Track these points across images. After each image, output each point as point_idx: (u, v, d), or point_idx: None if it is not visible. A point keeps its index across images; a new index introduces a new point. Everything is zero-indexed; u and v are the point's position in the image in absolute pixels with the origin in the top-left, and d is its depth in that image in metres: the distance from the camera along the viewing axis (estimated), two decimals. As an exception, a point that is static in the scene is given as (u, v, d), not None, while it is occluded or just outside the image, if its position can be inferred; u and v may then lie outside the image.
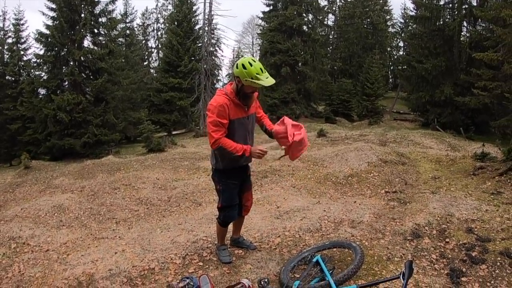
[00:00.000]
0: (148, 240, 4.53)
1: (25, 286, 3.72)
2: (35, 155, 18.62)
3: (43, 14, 20.12)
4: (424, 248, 3.82)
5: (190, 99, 25.49)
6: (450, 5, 21.69)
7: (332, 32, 37.81)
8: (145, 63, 38.70)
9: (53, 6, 19.89)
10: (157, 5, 46.75)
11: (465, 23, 21.21)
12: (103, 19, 21.39)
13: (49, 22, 19.99)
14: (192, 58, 27.36)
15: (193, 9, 29.49)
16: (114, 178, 9.09)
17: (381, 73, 28.62)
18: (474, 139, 15.25)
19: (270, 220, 4.95)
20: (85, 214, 6.64)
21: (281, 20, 25.16)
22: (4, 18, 24.40)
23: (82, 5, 20.15)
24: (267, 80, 3.09)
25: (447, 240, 3.96)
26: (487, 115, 18.57)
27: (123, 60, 24.28)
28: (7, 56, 23.18)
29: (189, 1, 29.17)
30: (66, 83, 20.52)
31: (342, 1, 38.61)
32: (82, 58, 19.88)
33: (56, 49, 19.97)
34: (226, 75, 42.19)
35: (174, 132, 26.37)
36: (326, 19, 37.50)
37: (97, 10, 20.98)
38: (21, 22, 23.87)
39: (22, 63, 22.83)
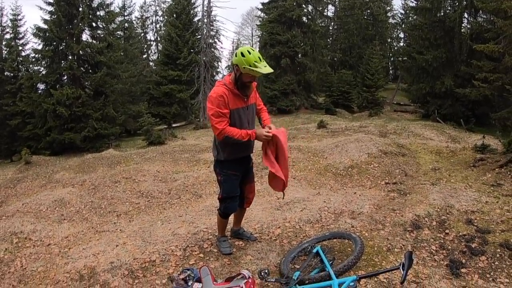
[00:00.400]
0: (149, 233, 4.55)
1: (27, 280, 3.74)
2: (35, 150, 18.66)
3: (41, 8, 20.04)
4: (424, 239, 3.83)
5: (190, 91, 25.46)
6: (451, -4, 21.54)
7: (332, 23, 37.55)
8: (144, 56, 38.52)
9: (51, 0, 19.78)
10: (155, -3, 46.46)
11: (466, 15, 21.02)
12: (101, 13, 21.27)
13: (47, 17, 19.90)
14: (191, 50, 27.23)
15: (192, 1, 29.30)
16: (114, 171, 9.11)
17: (381, 64, 28.48)
18: (475, 131, 15.23)
19: (270, 211, 4.96)
20: (86, 208, 6.66)
21: (281, 11, 24.96)
22: (2, 14, 24.31)
23: (80, -1, 20.05)
24: (265, 68, 3.11)
25: (447, 231, 3.97)
26: (487, 107, 18.50)
27: (122, 54, 24.15)
28: (6, 52, 23.03)
29: (187, -7, 28.98)
30: (65, 77, 20.48)
31: (342, -8, 38.32)
32: (80, 52, 19.81)
33: (55, 43, 19.90)
34: (225, 67, 41.97)
35: (174, 125, 26.37)
36: (326, 10, 37.33)
37: (95, 3, 20.89)
38: (19, 17, 23.72)
39: (21, 59, 22.68)
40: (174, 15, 28.39)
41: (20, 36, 23.46)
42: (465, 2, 20.20)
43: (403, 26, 37.26)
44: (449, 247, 3.65)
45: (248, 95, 3.38)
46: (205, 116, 23.17)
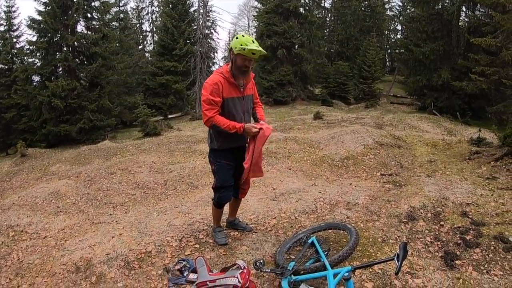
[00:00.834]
0: (145, 224, 4.55)
1: (24, 273, 3.73)
2: (31, 143, 18.57)
3: (35, 0, 19.75)
4: (418, 231, 3.85)
5: (186, 82, 25.34)
6: (449, -11, 21.45)
7: (329, 15, 37.38)
8: (139, 47, 38.20)
9: (45, -9, 19.52)
10: (151, -13, 45.88)
11: (464, 8, 21.00)
12: (96, 3, 21.05)
13: (41, 8, 19.62)
14: (187, 41, 27.07)
15: (188, -9, 29.01)
16: (110, 163, 9.08)
17: (378, 56, 28.43)
18: (471, 124, 15.28)
19: (266, 202, 4.96)
20: (82, 200, 6.65)
21: (278, 2, 24.78)
22: (-5, 6, 23.98)
23: (74, -11, 19.76)
24: (257, 47, 3.15)
25: (442, 223, 3.99)
26: (484, 101, 18.55)
27: (117, 44, 23.95)
28: (0, 44, 22.80)
29: (183, -18, 28.66)
30: (60, 69, 20.27)
31: (340, -17, 38.05)
32: (75, 43, 19.62)
33: (49, 35, 19.64)
34: (221, 58, 41.83)
35: (170, 116, 26.30)
36: (323, 1, 37.12)
37: (90, -6, 20.59)
38: (13, 9, 23.49)
39: (15, 51, 22.47)
40: (170, 6, 28.12)
41: (14, 28, 23.25)
42: (463, -5, 20.16)
43: (400, 18, 37.16)
44: (444, 239, 3.67)
45: (244, 85, 3.37)
46: (201, 107, 23.09)
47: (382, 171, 6.66)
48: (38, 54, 20.37)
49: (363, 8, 35.26)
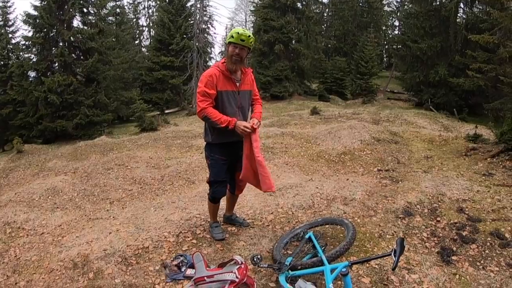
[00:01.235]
0: (142, 219, 4.55)
1: (21, 270, 3.72)
2: (27, 139, 18.41)
3: (31, -5, 19.53)
4: (415, 226, 3.87)
5: (183, 77, 25.21)
6: (447, -15, 21.42)
7: (327, 10, 37.32)
8: (136, 42, 37.99)
9: (40, -14, 19.31)
10: (147, -18, 45.53)
11: (462, 4, 21.01)
12: (92, -2, 20.83)
13: (37, 3, 19.37)
14: (184, 36, 26.92)
15: (184, -14, 28.81)
16: (107, 158, 9.06)
17: (376, 52, 28.39)
18: (467, 121, 15.35)
19: (263, 197, 4.96)
20: (79, 196, 6.63)
21: (275, -4, 24.74)
22: (-9, 2, 23.72)
23: (70, -16, 19.57)
24: (245, 31, 3.20)
25: (438, 219, 4.01)
26: (481, 97, 18.55)
27: (113, 39, 23.73)
28: (-5, 40, 22.65)
29: (180, -23, 28.46)
30: (56, 64, 20.05)
31: (337, -22, 37.91)
32: (71, 38, 19.40)
33: (45, 30, 19.41)
34: (218, 53, 41.67)
35: (166, 111, 26.15)
36: (320, -3, 36.93)
37: (86, -12, 20.39)
38: (8, 4, 23.37)
39: (11, 46, 22.32)
40: (167, 0, 27.94)
41: (10, 23, 23.15)
42: (461, -8, 20.17)
43: (398, 14, 37.11)
44: (440, 235, 3.68)
45: (242, 79, 3.37)
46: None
47: (379, 167, 6.68)
48: (34, 49, 20.13)
49: (360, 4, 35.18)
